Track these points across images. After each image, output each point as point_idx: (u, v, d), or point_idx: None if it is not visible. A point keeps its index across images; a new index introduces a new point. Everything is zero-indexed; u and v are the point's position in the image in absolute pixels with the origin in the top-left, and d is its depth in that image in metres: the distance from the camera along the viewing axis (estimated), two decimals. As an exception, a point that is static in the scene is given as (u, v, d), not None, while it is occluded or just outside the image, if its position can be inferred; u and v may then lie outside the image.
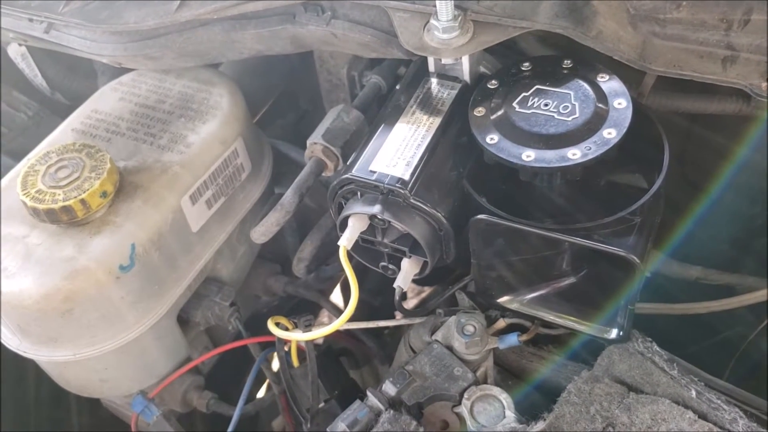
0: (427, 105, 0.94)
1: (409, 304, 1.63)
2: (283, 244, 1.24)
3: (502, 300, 0.95)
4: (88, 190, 0.92)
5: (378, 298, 1.33)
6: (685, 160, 1.14)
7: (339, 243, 0.87)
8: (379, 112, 0.97)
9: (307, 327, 0.98)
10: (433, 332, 0.95)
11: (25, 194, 0.93)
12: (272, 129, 1.40)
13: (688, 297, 1.06)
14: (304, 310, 1.13)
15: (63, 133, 1.08)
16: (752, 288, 1.04)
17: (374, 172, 0.87)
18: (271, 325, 0.96)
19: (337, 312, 1.21)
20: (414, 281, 0.96)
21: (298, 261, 1.11)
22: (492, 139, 0.85)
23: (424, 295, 1.63)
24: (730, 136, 1.06)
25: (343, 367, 1.24)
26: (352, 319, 0.89)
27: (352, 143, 0.98)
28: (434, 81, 0.96)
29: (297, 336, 0.97)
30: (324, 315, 1.66)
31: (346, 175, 0.88)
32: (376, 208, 0.85)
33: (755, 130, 0.99)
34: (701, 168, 1.15)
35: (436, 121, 0.92)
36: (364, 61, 1.14)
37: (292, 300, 1.31)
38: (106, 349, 0.98)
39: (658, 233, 0.88)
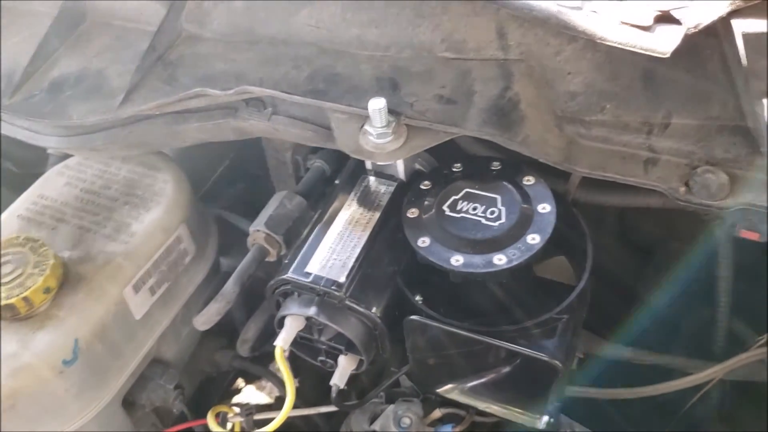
0: (365, 202, 0.97)
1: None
2: (230, 317, 1.25)
3: (441, 389, 0.97)
4: (30, 287, 0.93)
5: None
6: (625, 224, 1.18)
7: (275, 343, 0.89)
8: (317, 209, 1.00)
9: (248, 416, 1.00)
10: (372, 420, 0.98)
11: (-33, 291, 0.93)
12: (222, 199, 1.41)
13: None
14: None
15: (9, 220, 1.08)
16: (683, 368, 1.08)
17: (310, 274, 0.89)
18: (210, 420, 0.97)
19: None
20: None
21: (242, 342, 1.12)
22: (423, 242, 0.87)
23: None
24: None
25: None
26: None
27: (295, 230, 1.00)
28: (372, 179, 0.99)
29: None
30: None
31: (282, 276, 0.90)
32: (311, 311, 0.88)
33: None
34: (641, 233, 1.19)
35: (374, 218, 0.95)
36: (308, 147, 1.16)
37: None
38: (49, 441, 0.99)
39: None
